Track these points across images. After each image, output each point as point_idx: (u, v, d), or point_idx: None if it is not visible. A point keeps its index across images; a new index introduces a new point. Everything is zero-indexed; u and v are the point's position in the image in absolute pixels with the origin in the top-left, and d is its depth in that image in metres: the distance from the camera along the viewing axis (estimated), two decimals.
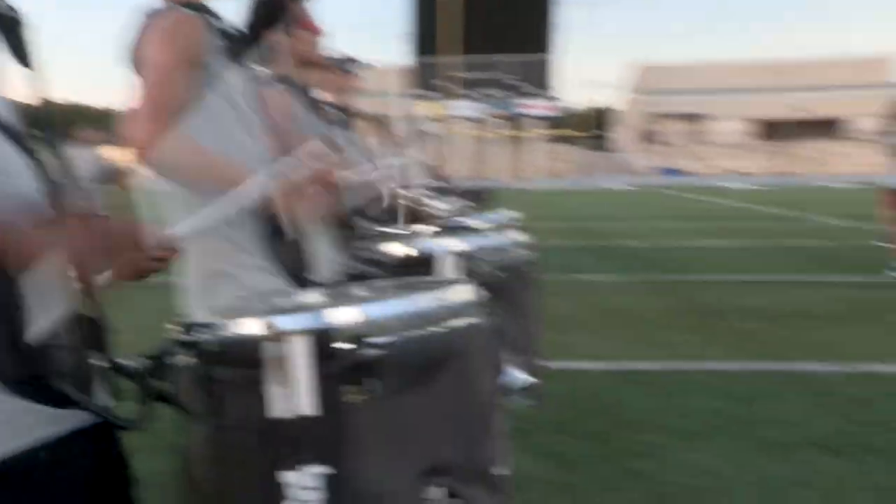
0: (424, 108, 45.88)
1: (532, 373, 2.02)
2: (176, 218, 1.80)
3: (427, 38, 43.12)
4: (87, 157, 8.35)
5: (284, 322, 1.01)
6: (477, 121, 50.04)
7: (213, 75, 1.76)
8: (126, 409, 1.12)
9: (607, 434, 3.85)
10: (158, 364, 1.07)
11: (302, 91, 2.68)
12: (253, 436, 1.00)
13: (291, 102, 2.55)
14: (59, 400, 1.02)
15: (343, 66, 3.64)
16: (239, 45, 1.84)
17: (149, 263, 1.30)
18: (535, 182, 44.04)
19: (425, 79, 45.10)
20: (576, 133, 51.88)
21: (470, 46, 43.12)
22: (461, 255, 1.92)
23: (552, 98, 48.96)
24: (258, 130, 1.88)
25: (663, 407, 4.26)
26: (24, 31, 1.09)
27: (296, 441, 0.99)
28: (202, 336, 1.05)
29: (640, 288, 8.18)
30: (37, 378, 1.00)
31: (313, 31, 2.71)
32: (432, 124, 46.48)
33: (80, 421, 1.08)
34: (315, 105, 2.85)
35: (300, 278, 1.83)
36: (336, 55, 3.56)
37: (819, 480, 3.26)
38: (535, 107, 49.11)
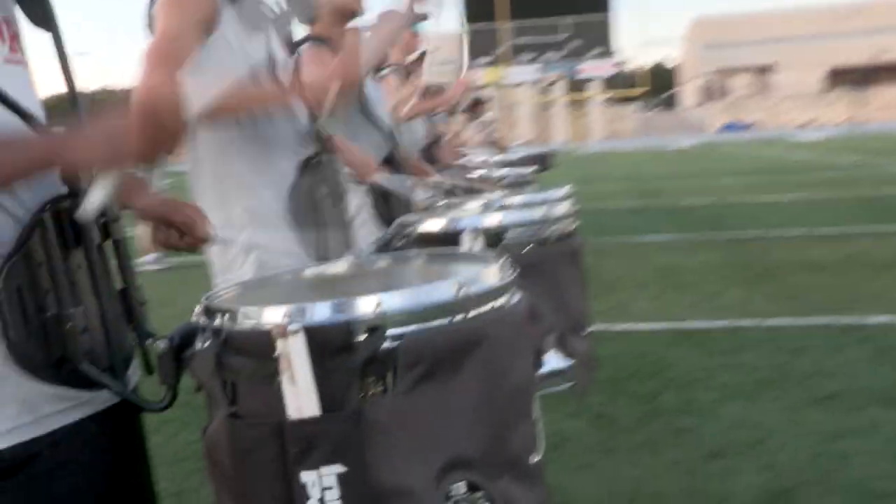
0: (482, 75, 45.51)
1: (572, 353, 1.93)
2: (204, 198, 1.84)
3: (480, 4, 42.61)
4: None
5: (294, 314, 0.96)
6: (536, 85, 49.45)
7: (224, 42, 1.71)
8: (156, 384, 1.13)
9: (657, 393, 3.83)
10: (181, 345, 1.05)
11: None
12: (265, 430, 0.96)
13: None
14: (83, 382, 1.04)
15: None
16: (254, 13, 1.78)
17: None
18: (596, 144, 43.44)
19: (480, 45, 44.63)
20: (636, 92, 50.75)
21: (523, 10, 42.46)
22: (491, 230, 1.84)
23: (611, 58, 47.94)
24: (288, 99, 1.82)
25: (717, 365, 4.21)
26: None
27: (310, 439, 0.94)
28: (219, 321, 1.01)
29: (698, 246, 8.04)
30: (62, 361, 1.01)
31: None
32: (490, 91, 46.13)
33: (104, 401, 1.09)
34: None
35: (324, 251, 1.82)
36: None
37: (877, 433, 3.19)
38: (595, 68, 48.19)
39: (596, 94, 50.66)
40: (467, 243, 1.79)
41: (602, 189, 15.52)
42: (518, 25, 43.95)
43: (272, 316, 0.97)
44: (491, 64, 45.99)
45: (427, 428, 0.99)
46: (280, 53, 1.87)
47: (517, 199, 2.33)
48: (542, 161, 9.47)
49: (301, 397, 0.92)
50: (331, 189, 1.87)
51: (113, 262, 1.13)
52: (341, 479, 0.94)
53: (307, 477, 0.94)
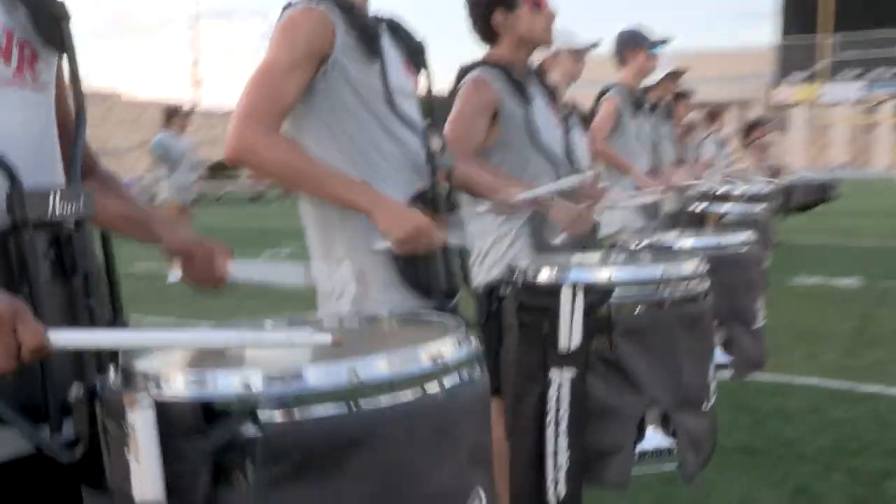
0: (794, 92, 42.30)
1: (678, 431, 1.71)
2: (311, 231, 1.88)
3: (800, 15, 39.59)
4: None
5: (150, 384, 0.88)
6: (857, 104, 44.91)
7: (341, 74, 1.70)
8: None
9: (885, 475, 3.27)
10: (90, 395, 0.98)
11: (516, 77, 2.45)
12: None
13: (496, 92, 2.37)
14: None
15: (580, 51, 3.42)
16: (371, 41, 1.73)
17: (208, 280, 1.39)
18: None
19: (797, 60, 41.45)
20: None
21: (849, 21, 38.69)
22: (598, 287, 1.69)
23: None
24: (406, 132, 1.79)
25: None
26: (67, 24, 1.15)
27: None
28: (111, 378, 0.96)
29: None
30: None
31: (542, 8, 2.43)
32: (802, 109, 42.76)
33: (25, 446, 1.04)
34: (544, 93, 2.59)
35: (432, 294, 1.75)
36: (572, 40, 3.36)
37: None
38: None
39: None
40: (566, 300, 1.67)
41: None
42: (842, 39, 40.20)
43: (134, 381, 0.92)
44: (807, 80, 42.59)
45: None
46: (402, 80, 1.83)
47: (642, 252, 2.14)
48: (824, 191, 8.62)
49: (145, 478, 0.85)
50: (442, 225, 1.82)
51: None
52: None
53: None
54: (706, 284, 1.82)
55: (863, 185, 23.21)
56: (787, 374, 4.63)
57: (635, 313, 1.70)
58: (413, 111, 1.87)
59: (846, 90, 43.13)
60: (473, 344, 1.03)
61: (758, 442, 3.64)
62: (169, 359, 1.06)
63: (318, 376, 0.88)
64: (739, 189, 4.86)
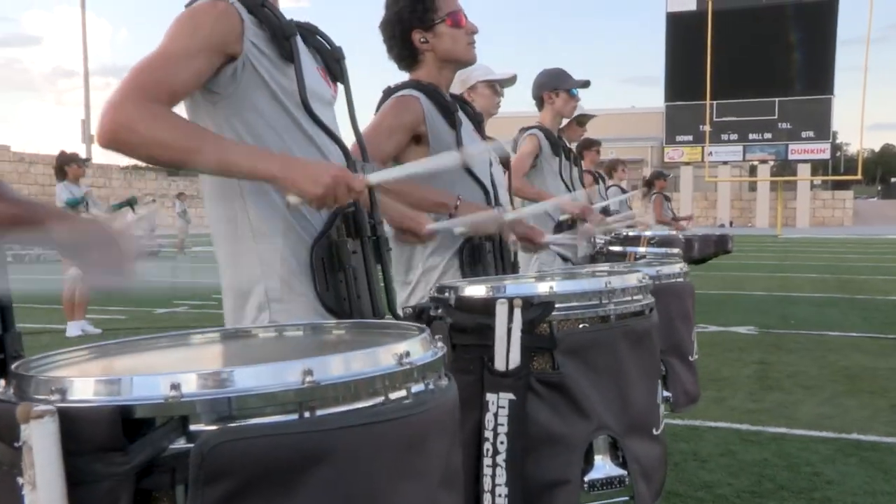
0: (682, 153, 44.30)
1: (629, 458, 1.57)
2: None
3: (687, 82, 41.72)
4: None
5: (56, 390, 0.70)
6: (741, 165, 47.41)
7: (253, 77, 1.57)
8: None
9: None
10: None
11: (446, 99, 2.37)
12: None
13: (424, 112, 2.29)
14: None
15: (497, 84, 3.36)
16: (285, 41, 1.60)
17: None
18: (803, 230, 40.80)
19: (682, 122, 43.50)
20: (853, 178, 47.31)
21: (730, 90, 40.99)
22: (536, 301, 1.54)
23: (829, 142, 45.13)
24: (326, 140, 1.67)
25: (888, 489, 3.57)
26: None
27: None
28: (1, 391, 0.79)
29: (893, 349, 7.10)
30: None
31: (464, 28, 2.34)
32: (688, 169, 44.81)
33: None
34: (473, 118, 2.53)
35: (349, 313, 1.62)
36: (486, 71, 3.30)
37: None
38: (809, 151, 45.53)
39: (807, 179, 47.70)
40: (502, 315, 1.54)
41: (793, 277, 14.36)
42: (726, 104, 42.45)
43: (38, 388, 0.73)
44: (693, 141, 44.65)
45: None
46: (320, 86, 1.71)
47: (581, 269, 2.05)
48: (720, 244, 8.90)
49: None
50: (365, 244, 1.68)
51: None
52: None
53: None
54: (651, 299, 1.72)
55: (748, 240, 24.44)
56: (697, 419, 4.62)
57: (579, 329, 1.57)
58: (332, 120, 1.74)
59: (730, 152, 45.40)
60: (441, 348, 0.89)
61: (676, 485, 3.57)
62: (75, 365, 0.87)
63: (263, 377, 0.70)
64: (648, 233, 4.89)
